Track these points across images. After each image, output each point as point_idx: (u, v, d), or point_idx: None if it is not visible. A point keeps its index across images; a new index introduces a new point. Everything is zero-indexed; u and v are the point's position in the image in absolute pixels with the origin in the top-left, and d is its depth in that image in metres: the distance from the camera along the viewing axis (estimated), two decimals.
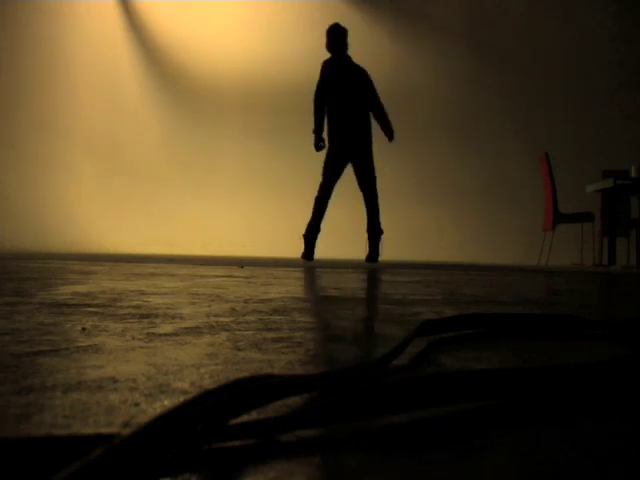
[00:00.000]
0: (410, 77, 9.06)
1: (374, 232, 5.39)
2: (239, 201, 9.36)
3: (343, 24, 8.08)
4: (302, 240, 5.64)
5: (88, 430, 0.37)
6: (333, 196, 5.45)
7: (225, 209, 9.37)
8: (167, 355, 0.63)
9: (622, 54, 8.56)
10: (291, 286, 1.87)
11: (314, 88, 5.45)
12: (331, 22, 5.71)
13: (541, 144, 8.59)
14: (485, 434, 0.38)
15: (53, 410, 0.41)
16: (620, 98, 8.54)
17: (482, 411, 0.43)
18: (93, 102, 9.46)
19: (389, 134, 5.43)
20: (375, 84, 5.53)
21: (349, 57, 5.48)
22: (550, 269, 4.94)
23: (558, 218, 6.32)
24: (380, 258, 8.56)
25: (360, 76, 5.39)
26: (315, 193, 5.42)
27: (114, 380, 0.51)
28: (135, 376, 0.53)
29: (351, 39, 8.61)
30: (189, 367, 0.57)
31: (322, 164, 5.44)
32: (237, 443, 0.35)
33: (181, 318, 0.96)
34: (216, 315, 1.02)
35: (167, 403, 0.43)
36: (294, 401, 0.44)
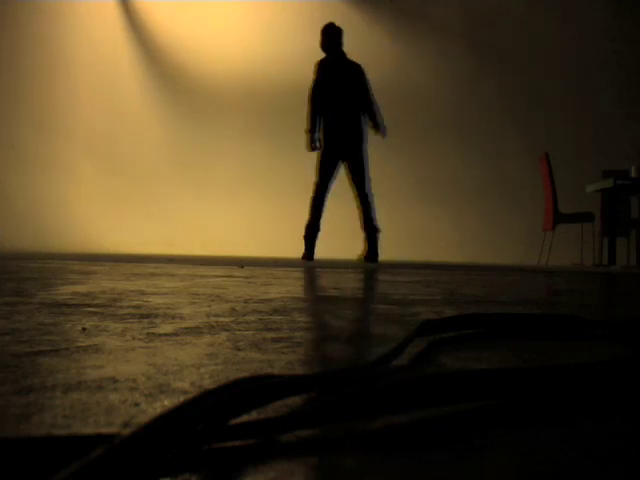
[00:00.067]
0: (410, 77, 9.06)
1: (371, 231, 5.38)
2: (239, 201, 9.36)
3: (343, 24, 8.06)
4: (302, 240, 5.64)
5: (88, 430, 0.37)
6: (333, 196, 5.45)
7: (225, 209, 9.37)
8: (167, 355, 0.63)
9: (622, 54, 8.56)
10: (291, 286, 1.87)
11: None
12: (342, 29, 5.72)
13: (541, 144, 8.60)
14: (485, 434, 0.38)
15: (53, 410, 0.41)
16: (620, 98, 8.54)
17: (482, 411, 0.43)
18: (93, 102, 9.46)
19: (379, 129, 5.41)
20: (369, 79, 5.53)
21: (344, 55, 5.47)
22: (550, 269, 4.94)
23: (558, 218, 6.32)
24: (380, 258, 8.56)
25: (354, 72, 5.38)
26: None
27: (114, 380, 0.51)
28: (135, 376, 0.53)
29: (351, 39, 8.57)
30: (189, 367, 0.57)
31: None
32: (237, 443, 0.35)
33: (181, 318, 0.96)
34: (216, 315, 1.02)
35: (167, 403, 0.43)
36: (294, 401, 0.44)
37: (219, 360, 0.61)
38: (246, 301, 1.30)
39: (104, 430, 0.37)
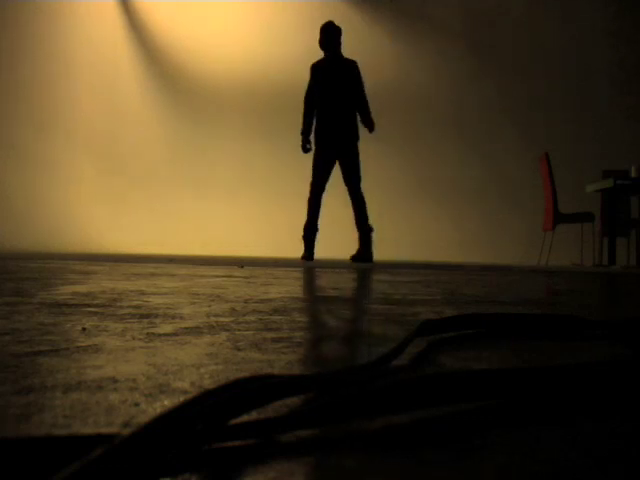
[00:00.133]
0: (410, 77, 9.06)
1: (364, 230, 5.36)
2: (239, 201, 9.36)
3: (343, 24, 8.06)
4: (302, 240, 5.64)
5: (88, 430, 0.37)
6: (334, 196, 5.45)
7: (225, 209, 9.37)
8: (167, 355, 0.63)
9: (622, 54, 8.56)
10: (291, 286, 1.87)
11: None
12: (341, 28, 5.72)
13: (541, 144, 8.60)
14: (485, 434, 0.38)
15: (53, 410, 0.41)
16: (620, 98, 8.54)
17: (482, 411, 0.43)
18: (93, 102, 9.46)
19: (369, 126, 5.41)
20: (363, 77, 5.53)
21: (340, 54, 5.47)
22: (550, 269, 4.94)
23: (558, 218, 6.32)
24: (379, 258, 8.56)
25: (349, 70, 5.38)
26: None
27: (114, 380, 0.51)
28: (135, 376, 0.53)
29: (351, 39, 8.57)
30: (189, 367, 0.57)
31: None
32: (237, 443, 0.35)
33: (181, 318, 0.96)
34: (216, 315, 1.02)
35: (167, 403, 0.43)
36: (294, 401, 0.44)
37: (219, 360, 0.61)
38: (246, 301, 1.30)
39: (104, 430, 0.37)
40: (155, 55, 9.66)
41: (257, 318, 0.99)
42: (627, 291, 2.08)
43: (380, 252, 8.81)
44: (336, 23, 8.29)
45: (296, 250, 8.45)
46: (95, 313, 1.00)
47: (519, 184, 8.68)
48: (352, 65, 5.41)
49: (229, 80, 9.49)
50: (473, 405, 0.44)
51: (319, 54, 7.52)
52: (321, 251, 7.72)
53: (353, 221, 5.42)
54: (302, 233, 5.48)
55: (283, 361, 0.61)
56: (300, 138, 5.46)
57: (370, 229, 5.40)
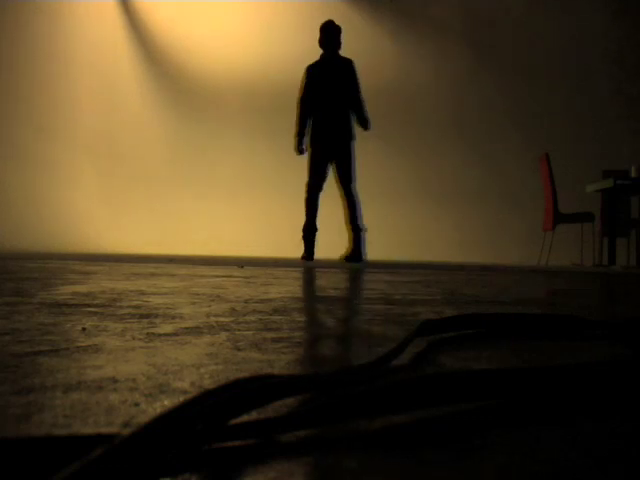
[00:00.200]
0: (410, 77, 9.06)
1: (356, 230, 5.35)
2: (239, 201, 9.36)
3: (343, 24, 8.05)
4: (302, 241, 5.64)
5: (88, 430, 0.37)
6: (334, 196, 5.44)
7: (225, 209, 9.38)
8: (167, 355, 0.63)
9: (622, 54, 8.56)
10: (291, 286, 1.87)
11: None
12: (341, 28, 5.71)
13: (541, 144, 8.60)
14: (485, 434, 0.38)
15: (53, 410, 0.41)
16: (620, 98, 8.54)
17: (482, 411, 0.43)
18: (93, 102, 9.46)
19: (364, 124, 5.40)
20: (359, 75, 5.52)
21: (337, 54, 5.47)
22: (550, 269, 4.94)
23: (558, 218, 6.32)
24: (379, 258, 8.56)
25: (345, 69, 5.38)
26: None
27: (114, 380, 0.51)
28: (135, 376, 0.53)
29: (351, 39, 8.56)
30: (189, 367, 0.57)
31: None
32: (237, 443, 0.35)
33: (181, 318, 0.96)
34: (216, 315, 1.02)
35: (167, 403, 0.43)
36: (294, 401, 0.44)
37: (219, 360, 0.61)
38: (246, 301, 1.30)
39: (104, 430, 0.37)
40: (155, 55, 9.66)
41: (257, 318, 0.99)
42: (627, 291, 2.08)
43: (380, 252, 8.81)
44: (336, 23, 8.28)
45: (296, 250, 8.46)
46: (95, 313, 1.00)
47: (519, 184, 8.68)
48: (348, 64, 5.41)
49: (229, 80, 9.49)
50: (473, 405, 0.44)
51: (319, 54, 7.52)
52: (321, 251, 7.73)
53: (346, 221, 5.41)
54: (301, 234, 5.48)
55: (283, 361, 0.61)
56: (294, 140, 5.46)
57: (362, 229, 5.38)
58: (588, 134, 8.56)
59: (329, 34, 5.42)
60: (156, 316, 0.98)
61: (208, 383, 0.50)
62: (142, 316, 0.98)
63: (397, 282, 2.26)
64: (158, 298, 1.32)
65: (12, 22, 8.11)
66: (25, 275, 2.09)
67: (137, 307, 1.11)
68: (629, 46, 8.56)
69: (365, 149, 8.70)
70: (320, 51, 7.85)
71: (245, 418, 0.39)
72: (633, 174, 5.63)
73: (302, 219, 6.33)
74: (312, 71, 5.42)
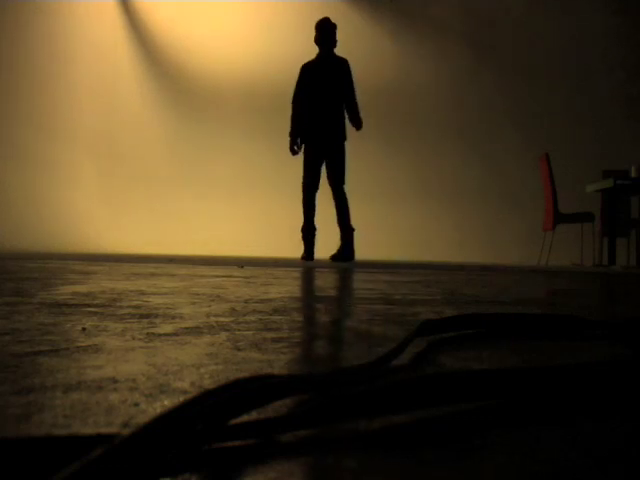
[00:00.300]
0: (410, 77, 9.06)
1: (346, 229, 5.34)
2: (239, 201, 9.36)
3: (343, 24, 8.05)
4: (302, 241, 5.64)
5: (88, 430, 0.37)
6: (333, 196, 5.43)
7: (225, 209, 9.38)
8: (167, 355, 0.63)
9: (622, 53, 8.56)
10: (291, 286, 1.87)
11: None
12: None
13: (541, 144, 8.60)
14: (485, 434, 0.38)
15: (53, 410, 0.41)
16: (620, 98, 8.54)
17: (482, 411, 0.43)
18: (93, 102, 9.46)
19: (356, 124, 5.39)
20: (353, 76, 5.51)
21: (333, 52, 5.46)
22: (550, 269, 4.94)
23: (558, 218, 6.32)
24: (379, 258, 8.56)
25: (339, 68, 5.37)
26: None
27: (114, 380, 0.51)
28: (135, 376, 0.53)
29: (351, 39, 8.56)
30: (189, 367, 0.57)
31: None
32: (237, 443, 0.35)
33: (181, 318, 0.96)
34: (216, 315, 1.02)
35: (167, 403, 0.43)
36: (294, 401, 0.44)
37: (219, 360, 0.61)
38: (246, 301, 1.30)
39: (104, 430, 0.37)
40: (155, 55, 9.66)
41: (257, 318, 0.99)
42: (627, 291, 2.08)
43: (380, 252, 8.81)
44: (337, 23, 8.28)
45: (296, 250, 8.45)
46: (95, 313, 1.00)
47: (519, 184, 8.68)
48: (343, 63, 5.40)
49: (229, 80, 9.49)
50: (473, 405, 0.44)
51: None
52: (321, 251, 7.72)
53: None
54: (301, 234, 5.47)
55: (283, 361, 0.61)
56: (288, 140, 5.45)
57: (352, 229, 5.37)
58: (588, 134, 8.56)
59: (325, 32, 5.42)
60: (156, 316, 0.98)
61: (208, 383, 0.50)
62: (142, 316, 0.98)
63: (397, 282, 2.26)
64: (158, 298, 1.32)
65: (12, 22, 8.11)
66: (25, 275, 2.10)
67: (137, 307, 1.11)
68: (629, 46, 8.56)
69: (365, 149, 8.70)
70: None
71: (245, 418, 0.39)
72: (633, 174, 5.63)
73: (302, 219, 6.33)
74: (306, 70, 5.42)
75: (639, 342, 0.81)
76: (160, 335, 0.77)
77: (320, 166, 5.38)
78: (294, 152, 5.41)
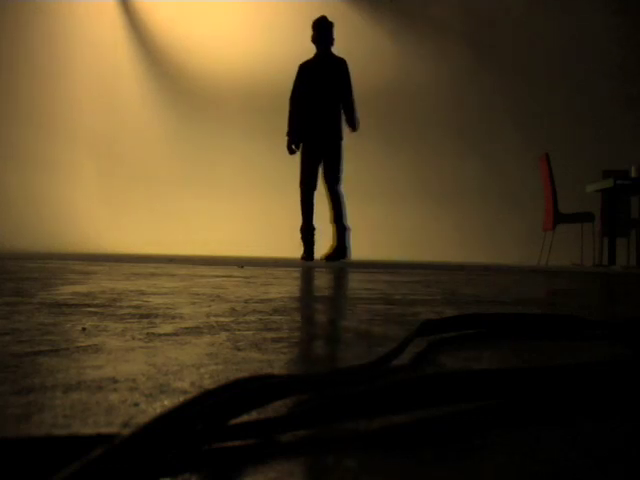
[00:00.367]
0: (410, 77, 9.06)
1: (341, 229, 5.34)
2: (239, 201, 9.36)
3: (344, 24, 8.03)
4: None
5: (88, 430, 0.37)
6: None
7: (225, 209, 9.38)
8: (167, 355, 0.63)
9: (622, 54, 8.56)
10: (291, 286, 1.87)
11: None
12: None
13: (541, 144, 8.60)
14: (485, 434, 0.38)
15: (53, 410, 0.41)
16: (620, 98, 8.54)
17: (482, 411, 0.43)
18: (93, 102, 9.46)
19: (352, 125, 5.39)
20: (351, 75, 5.50)
21: (330, 52, 5.45)
22: (550, 269, 4.94)
23: (558, 218, 6.32)
24: (379, 257, 8.56)
25: (337, 68, 5.37)
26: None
27: (114, 380, 0.51)
28: (135, 376, 0.53)
29: (351, 39, 8.55)
30: (189, 367, 0.57)
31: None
32: (237, 443, 0.35)
33: (181, 318, 0.96)
34: (216, 315, 1.02)
35: (167, 403, 0.43)
36: (294, 401, 0.44)
37: (219, 360, 0.61)
38: (246, 301, 1.30)
39: (104, 430, 0.37)
40: (155, 55, 9.66)
41: (257, 318, 0.99)
42: (627, 291, 2.08)
43: (380, 252, 8.81)
44: (337, 23, 8.28)
45: (296, 250, 8.45)
46: (95, 313, 1.00)
47: (519, 184, 8.68)
48: (341, 63, 5.40)
49: (229, 80, 9.49)
50: (473, 405, 0.44)
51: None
52: (321, 251, 7.71)
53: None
54: (300, 235, 5.46)
55: (283, 361, 0.61)
56: (286, 139, 5.44)
57: (347, 227, 5.36)
58: (588, 134, 8.56)
59: (322, 30, 5.41)
60: (156, 316, 0.98)
61: (208, 383, 0.50)
62: (142, 316, 0.98)
63: (397, 282, 2.26)
64: (158, 298, 1.32)
65: (12, 22, 8.11)
66: (25, 275, 2.10)
67: (137, 307, 1.11)
68: (629, 46, 8.56)
69: (365, 149, 8.71)
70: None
71: (245, 418, 0.39)
72: (633, 174, 5.63)
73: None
74: (304, 69, 5.41)
75: (639, 342, 0.81)
76: (160, 335, 0.77)
77: (317, 166, 5.38)
78: (292, 151, 5.41)
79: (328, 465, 0.32)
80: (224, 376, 0.53)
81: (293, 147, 5.39)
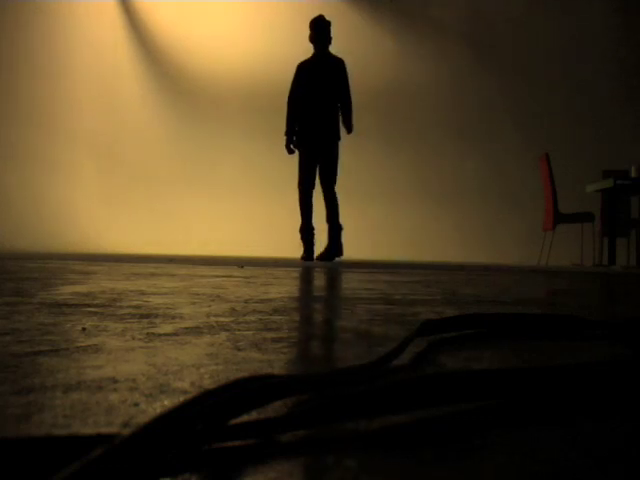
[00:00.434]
0: (410, 77, 9.06)
1: (335, 228, 5.34)
2: (239, 201, 9.36)
3: (344, 24, 8.04)
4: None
5: (88, 430, 0.37)
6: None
7: (225, 209, 9.37)
8: (167, 355, 0.63)
9: (622, 54, 8.56)
10: (291, 286, 1.87)
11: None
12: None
13: (541, 144, 8.59)
14: (485, 434, 0.38)
15: (53, 410, 0.41)
16: (620, 98, 8.54)
17: (482, 411, 0.43)
18: (93, 102, 9.46)
19: (348, 127, 5.39)
20: (349, 76, 5.49)
21: (328, 52, 5.45)
22: (550, 269, 4.94)
23: (558, 218, 6.32)
24: (379, 257, 8.56)
25: (335, 68, 5.36)
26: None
27: (114, 380, 0.51)
28: (135, 376, 0.53)
29: (352, 39, 8.56)
30: (189, 367, 0.57)
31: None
32: (237, 443, 0.35)
33: (181, 318, 0.96)
34: (216, 315, 1.02)
35: (167, 403, 0.43)
36: (294, 401, 0.44)
37: (219, 360, 0.61)
38: (246, 301, 1.30)
39: (104, 430, 0.37)
40: (155, 55, 9.66)
41: (257, 318, 0.99)
42: (627, 291, 2.08)
43: (380, 252, 8.81)
44: (337, 23, 8.28)
45: (296, 250, 8.44)
46: (95, 313, 1.00)
47: (519, 184, 8.68)
48: (339, 63, 5.39)
49: (229, 80, 9.48)
50: (473, 405, 0.44)
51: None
52: (321, 251, 7.71)
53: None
54: (299, 235, 5.46)
55: (283, 361, 0.61)
56: (284, 139, 5.44)
57: (340, 228, 5.37)
58: (588, 134, 8.56)
59: (319, 29, 5.41)
60: (156, 316, 0.98)
61: (208, 383, 0.50)
62: (142, 316, 0.98)
63: (397, 282, 2.26)
64: (158, 298, 1.32)
65: (12, 22, 8.11)
66: (25, 275, 2.09)
67: (137, 307, 1.11)
68: (629, 46, 8.55)
69: (365, 149, 8.70)
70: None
71: (245, 418, 0.39)
72: (633, 174, 5.63)
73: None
74: (302, 69, 5.41)
75: (639, 342, 0.81)
76: (160, 335, 0.77)
77: (315, 165, 5.38)
78: (290, 151, 5.41)
79: (328, 465, 0.32)
80: (224, 376, 0.53)
81: (291, 147, 5.39)
